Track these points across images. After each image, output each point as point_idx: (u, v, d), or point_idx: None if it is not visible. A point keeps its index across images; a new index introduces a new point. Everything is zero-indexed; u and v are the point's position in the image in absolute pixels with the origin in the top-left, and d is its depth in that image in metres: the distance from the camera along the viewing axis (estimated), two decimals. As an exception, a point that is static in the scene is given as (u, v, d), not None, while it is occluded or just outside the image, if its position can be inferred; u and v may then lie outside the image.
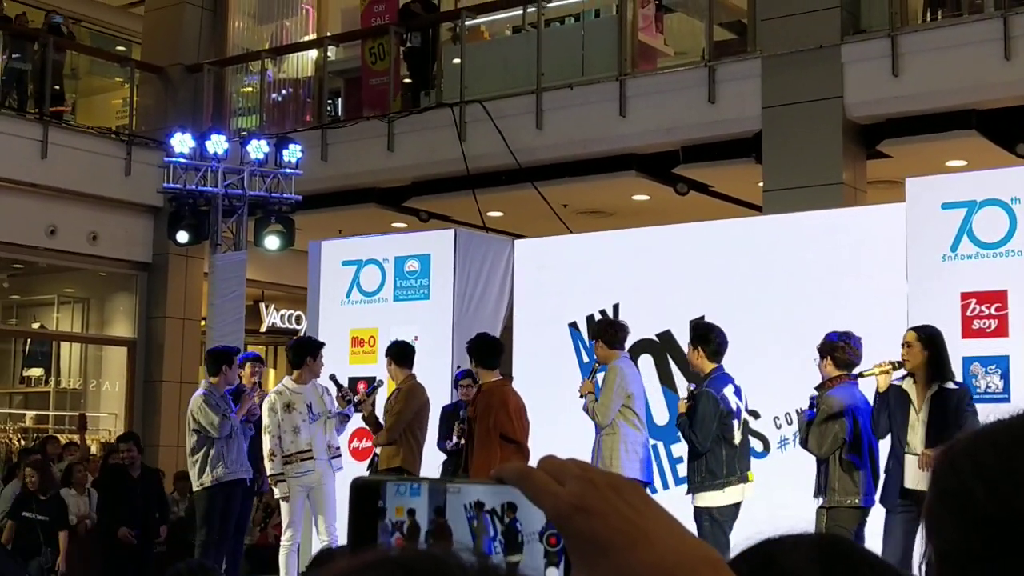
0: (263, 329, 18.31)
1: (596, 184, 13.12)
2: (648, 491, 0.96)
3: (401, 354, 9.32)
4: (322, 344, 9.97)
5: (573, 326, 10.76)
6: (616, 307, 10.50)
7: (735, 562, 1.20)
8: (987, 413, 1.20)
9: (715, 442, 7.71)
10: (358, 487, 0.92)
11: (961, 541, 1.12)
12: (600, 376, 8.39)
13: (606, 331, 8.44)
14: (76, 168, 14.34)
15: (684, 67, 12.69)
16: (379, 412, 9.52)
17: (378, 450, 9.22)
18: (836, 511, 7.45)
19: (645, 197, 13.69)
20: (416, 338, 10.60)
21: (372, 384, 9.69)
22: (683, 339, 9.60)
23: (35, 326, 17.83)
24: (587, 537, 0.89)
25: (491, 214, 13.96)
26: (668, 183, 12.98)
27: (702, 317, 9.47)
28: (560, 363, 10.67)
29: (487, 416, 8.54)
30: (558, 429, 9.51)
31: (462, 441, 9.42)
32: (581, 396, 8.42)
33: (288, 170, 12.58)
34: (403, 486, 0.91)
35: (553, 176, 13.06)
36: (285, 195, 12.55)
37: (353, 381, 11.03)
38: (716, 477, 7.70)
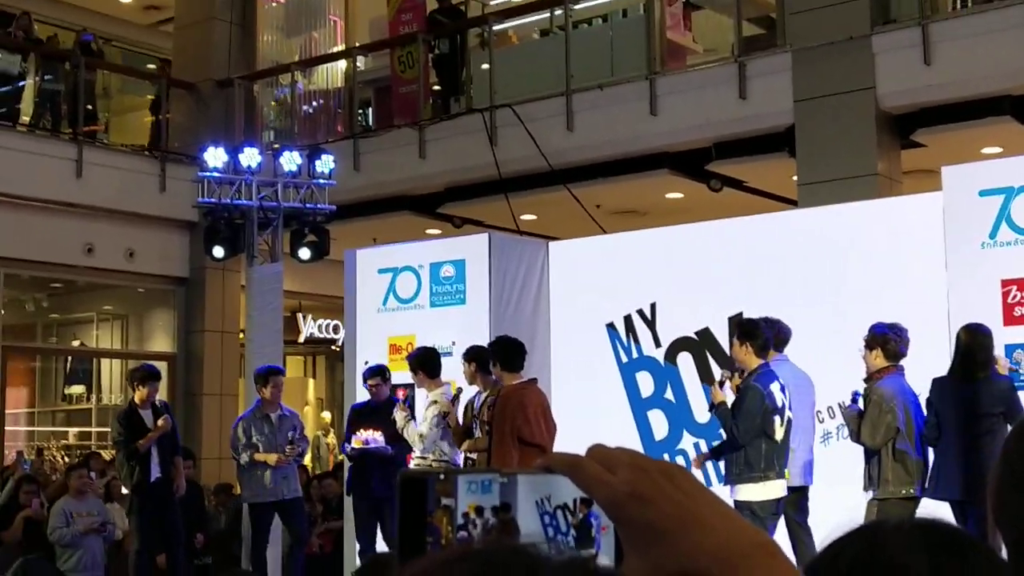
0: (301, 339, 18.38)
1: (629, 184, 13.09)
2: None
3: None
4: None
5: (611, 327, 10.73)
6: (653, 306, 10.47)
7: (834, 547, 1.17)
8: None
9: (755, 436, 7.66)
10: (405, 481, 0.90)
11: None
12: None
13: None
14: (111, 186, 14.45)
15: (714, 63, 12.64)
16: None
17: (474, 455, 9.02)
18: (888, 503, 7.41)
19: (679, 195, 13.65)
20: (454, 343, 10.59)
21: (455, 396, 9.40)
22: (722, 336, 9.56)
23: (75, 344, 17.97)
24: (640, 524, 0.89)
25: (525, 217, 13.96)
26: (701, 180, 12.94)
27: (740, 313, 9.42)
28: (598, 364, 10.65)
29: (503, 420, 8.42)
30: (597, 430, 9.48)
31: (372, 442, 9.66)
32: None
33: (321, 180, 12.63)
34: (475, 482, 0.90)
35: (585, 177, 13.04)
36: (319, 205, 12.59)
37: (393, 388, 11.05)
38: (753, 470, 7.63)
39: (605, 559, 0.91)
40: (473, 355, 9.07)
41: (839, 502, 7.74)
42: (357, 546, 10.61)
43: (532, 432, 8.42)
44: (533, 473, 0.92)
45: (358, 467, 10.09)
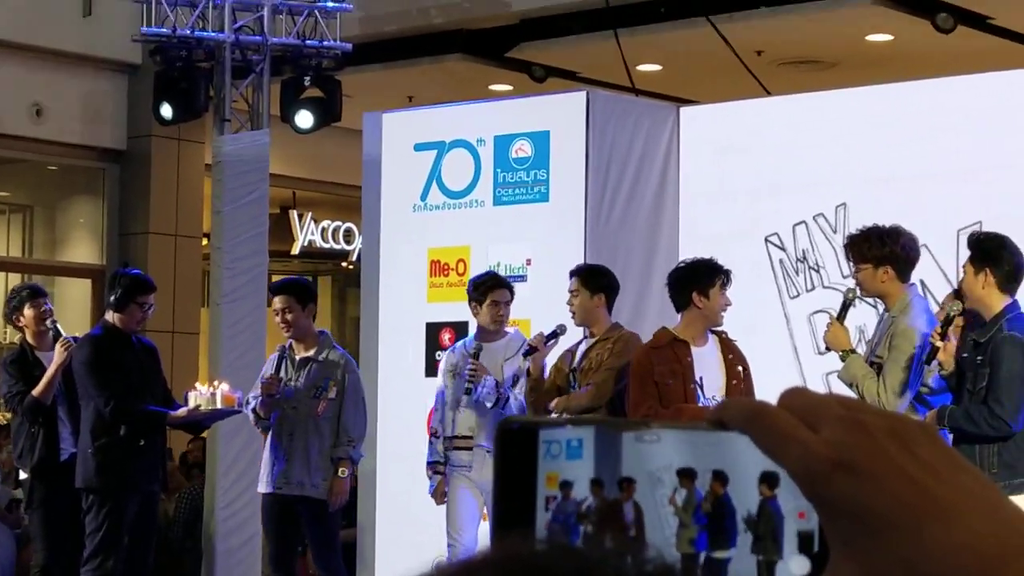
0: (296, 250, 18.53)
1: (809, 18, 13.03)
2: None
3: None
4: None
5: (771, 240, 10.70)
6: (841, 208, 10.43)
7: None
8: None
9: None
10: (507, 432, 0.92)
11: None
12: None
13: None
14: (4, 6, 14.56)
15: None
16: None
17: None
18: None
19: (886, 37, 13.61)
20: (529, 262, 10.65)
21: (553, 332, 9.39)
22: (946, 254, 9.52)
23: (-49, 250, 18.24)
24: (853, 508, 0.89)
25: (643, 68, 13.94)
26: (924, 14, 12.86)
27: (978, 224, 9.37)
28: (752, 290, 10.62)
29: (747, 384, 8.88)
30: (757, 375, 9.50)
31: None
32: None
33: (331, 4, 12.66)
34: (555, 441, 0.91)
35: (739, 6, 13.00)
36: (327, 42, 12.63)
37: (435, 328, 11.12)
38: (1017, 473, 7.49)
39: (799, 562, 0.92)
40: (598, 279, 9.21)
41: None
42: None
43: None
44: (695, 429, 0.93)
45: (126, 443, 9.80)
